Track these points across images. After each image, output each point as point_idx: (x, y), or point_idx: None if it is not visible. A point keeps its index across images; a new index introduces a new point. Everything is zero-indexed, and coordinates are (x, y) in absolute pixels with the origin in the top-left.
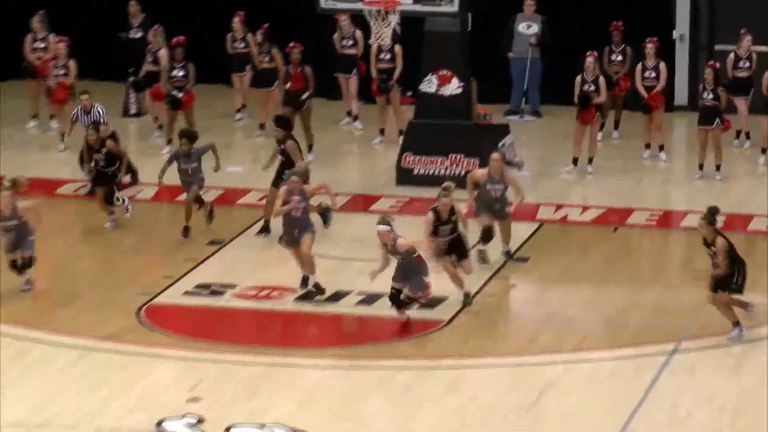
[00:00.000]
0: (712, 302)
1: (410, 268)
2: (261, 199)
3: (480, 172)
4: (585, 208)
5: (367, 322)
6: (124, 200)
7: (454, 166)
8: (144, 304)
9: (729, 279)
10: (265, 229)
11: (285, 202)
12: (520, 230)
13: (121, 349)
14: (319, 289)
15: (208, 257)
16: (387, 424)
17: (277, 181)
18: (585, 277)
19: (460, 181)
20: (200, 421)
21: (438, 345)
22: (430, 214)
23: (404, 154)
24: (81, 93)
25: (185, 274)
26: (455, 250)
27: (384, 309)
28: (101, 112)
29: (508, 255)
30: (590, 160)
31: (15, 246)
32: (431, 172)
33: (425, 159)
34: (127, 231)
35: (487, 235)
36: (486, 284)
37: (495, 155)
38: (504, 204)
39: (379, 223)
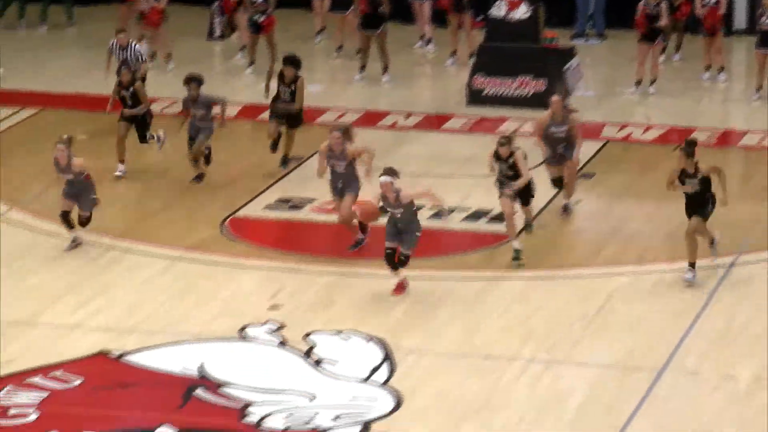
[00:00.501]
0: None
1: (404, 224)
2: (339, 118)
3: (543, 116)
4: (648, 128)
5: (438, 235)
6: (156, 137)
7: (522, 87)
8: (227, 217)
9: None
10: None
11: (326, 159)
12: (586, 148)
13: (206, 259)
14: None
15: (288, 173)
16: (456, 332)
17: (272, 116)
18: (647, 193)
19: (527, 101)
20: (280, 327)
21: (506, 257)
22: (491, 153)
23: (475, 76)
24: (118, 31)
25: (266, 189)
26: (520, 194)
27: (454, 222)
28: (138, 51)
29: (566, 209)
30: (653, 82)
31: (73, 198)
32: (500, 93)
33: (494, 80)
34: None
35: (557, 184)
36: (553, 199)
37: (555, 97)
38: (569, 146)
39: (383, 174)
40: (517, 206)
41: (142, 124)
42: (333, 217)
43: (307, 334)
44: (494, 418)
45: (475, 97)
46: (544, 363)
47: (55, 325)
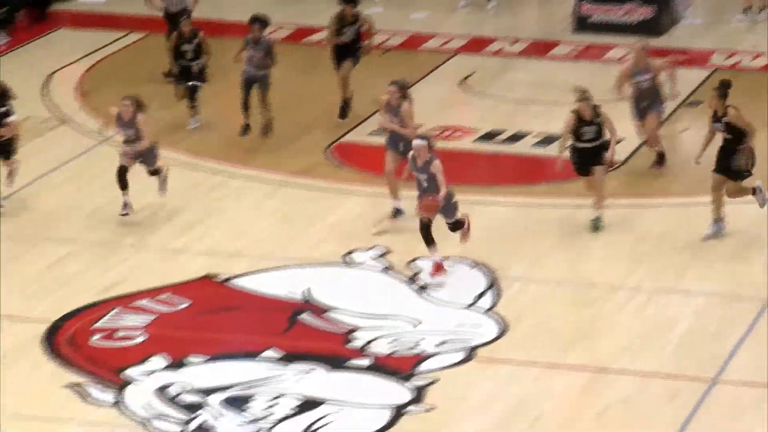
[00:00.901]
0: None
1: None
2: (444, 44)
3: (626, 66)
4: (757, 55)
5: (541, 162)
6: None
7: (629, 13)
8: (332, 143)
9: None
10: None
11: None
12: (693, 77)
13: (311, 184)
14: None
15: None
16: (560, 260)
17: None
18: (755, 121)
19: (634, 29)
20: (386, 253)
21: (612, 185)
22: (571, 116)
23: (581, 2)
24: None
25: (371, 115)
26: (596, 157)
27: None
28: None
29: (661, 160)
30: (762, 9)
31: (134, 156)
32: (607, 20)
33: (601, 6)
34: (316, 75)
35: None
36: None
37: (638, 44)
38: (655, 97)
39: (418, 137)
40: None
41: (200, 78)
42: (438, 143)
43: (413, 260)
44: (598, 346)
45: (582, 24)
46: (649, 291)
47: (161, 249)
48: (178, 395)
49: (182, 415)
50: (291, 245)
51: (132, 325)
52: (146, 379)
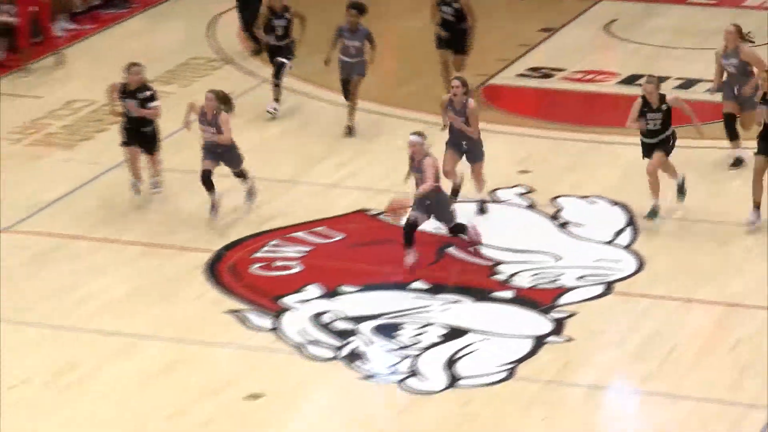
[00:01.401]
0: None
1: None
2: None
3: (718, 49)
4: None
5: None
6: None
7: None
8: (481, 84)
9: None
10: None
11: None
12: None
13: None
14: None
15: (540, 43)
16: (698, 199)
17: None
18: None
19: None
20: (529, 191)
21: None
22: (638, 100)
23: None
24: None
25: (518, 58)
26: (662, 145)
27: (699, 93)
28: None
29: (737, 162)
30: None
31: (216, 157)
32: None
33: None
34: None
35: (727, 125)
36: None
37: (727, 27)
38: (743, 85)
39: (413, 133)
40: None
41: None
42: (581, 86)
43: (555, 198)
44: (730, 285)
45: None
46: None
47: (316, 185)
48: (331, 322)
49: (335, 341)
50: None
51: (289, 255)
52: (302, 307)
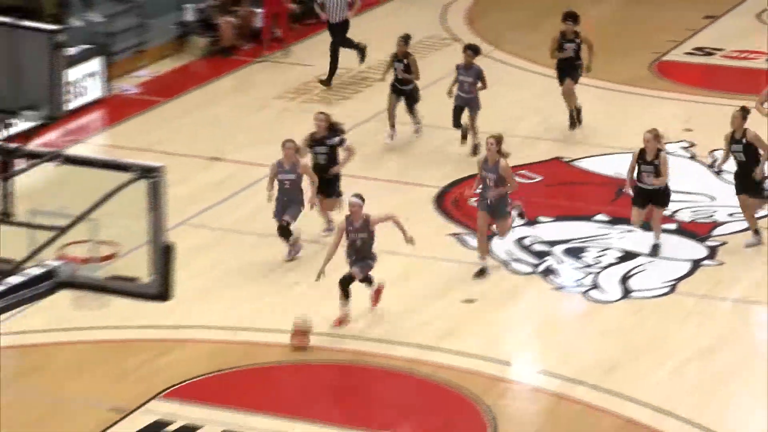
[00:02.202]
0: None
1: (364, 252)
2: None
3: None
4: None
5: None
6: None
7: None
8: (655, 60)
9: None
10: None
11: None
12: None
13: (634, 91)
14: None
15: (703, 27)
16: None
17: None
18: None
19: None
20: (691, 145)
21: None
22: (635, 153)
23: None
24: None
25: (685, 40)
26: (654, 201)
27: None
28: None
29: None
30: None
31: (284, 208)
32: None
33: None
34: (636, 4)
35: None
36: None
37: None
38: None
39: (353, 196)
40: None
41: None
42: (738, 63)
43: (712, 151)
44: None
45: None
46: None
47: (517, 136)
48: (531, 245)
49: (533, 260)
50: (618, 135)
51: None
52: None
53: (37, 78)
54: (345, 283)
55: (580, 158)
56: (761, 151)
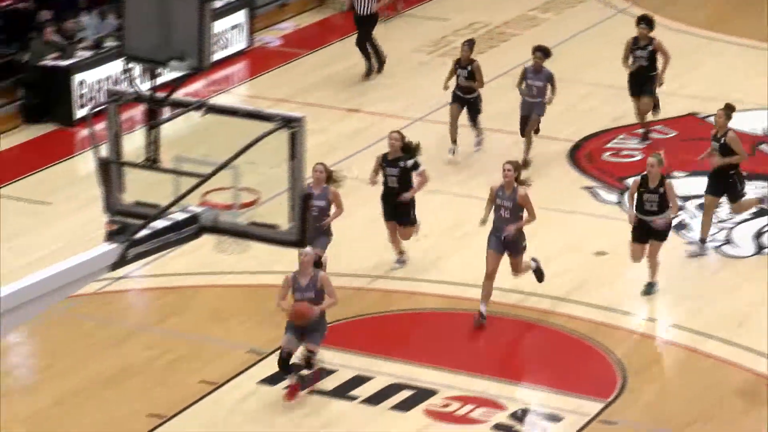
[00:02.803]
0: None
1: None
2: None
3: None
4: None
5: None
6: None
7: None
8: None
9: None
10: None
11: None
12: None
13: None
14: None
15: None
16: None
17: None
18: None
19: None
20: None
21: None
22: (636, 180)
23: None
24: None
25: None
26: (654, 235)
27: None
28: None
29: None
30: None
31: (312, 238)
32: None
33: None
34: None
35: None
36: None
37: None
38: None
39: (301, 252)
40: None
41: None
42: None
43: None
44: None
45: None
46: None
47: (661, 93)
48: None
49: None
50: (753, 93)
51: (633, 147)
52: None
53: (185, 30)
54: (284, 361)
55: (713, 114)
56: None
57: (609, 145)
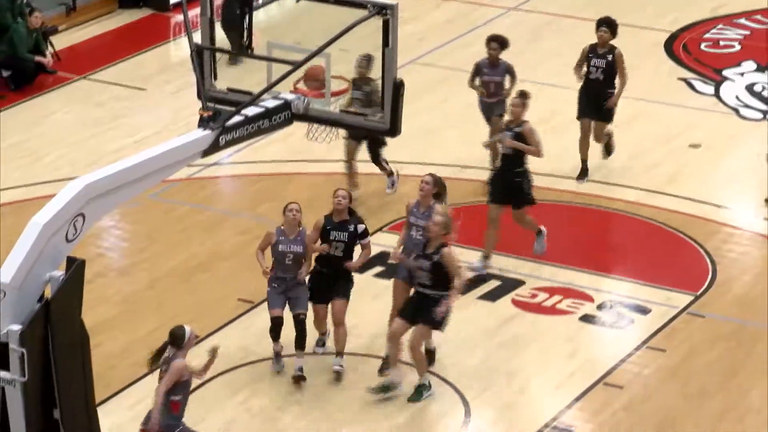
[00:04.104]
0: None
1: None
2: None
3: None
4: None
5: None
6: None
7: None
8: None
9: None
10: None
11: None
12: None
13: None
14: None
15: None
16: None
17: None
18: None
19: None
20: None
21: None
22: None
23: None
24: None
25: None
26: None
27: None
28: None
29: None
30: None
31: (285, 293)
32: None
33: None
34: None
35: None
36: None
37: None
38: None
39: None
40: None
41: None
42: None
43: None
44: None
45: None
46: None
47: None
48: (761, 91)
49: (764, 106)
50: None
51: (731, 37)
52: (738, 78)
53: None
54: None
55: None
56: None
57: (707, 36)
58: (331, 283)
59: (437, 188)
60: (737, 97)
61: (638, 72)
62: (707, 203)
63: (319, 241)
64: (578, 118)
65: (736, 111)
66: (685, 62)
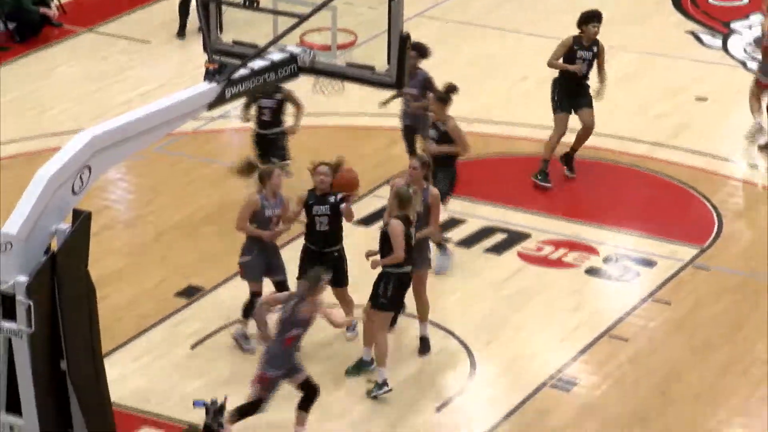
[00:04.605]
0: None
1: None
2: None
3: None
4: None
5: None
6: None
7: None
8: None
9: None
10: None
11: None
12: None
13: None
14: None
15: None
16: None
17: None
18: None
19: None
20: None
21: None
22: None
23: None
24: None
25: None
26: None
27: None
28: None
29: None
30: None
31: (267, 264)
32: None
33: None
34: None
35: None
36: None
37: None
38: None
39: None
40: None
41: None
42: None
43: None
44: None
45: None
46: None
47: None
48: None
49: None
50: None
51: None
52: (746, 31)
53: None
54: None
55: None
56: None
57: None
58: (319, 260)
59: (426, 170)
60: (745, 50)
61: (645, 25)
62: (714, 156)
63: (303, 213)
64: (557, 112)
65: (744, 64)
66: (693, 15)
